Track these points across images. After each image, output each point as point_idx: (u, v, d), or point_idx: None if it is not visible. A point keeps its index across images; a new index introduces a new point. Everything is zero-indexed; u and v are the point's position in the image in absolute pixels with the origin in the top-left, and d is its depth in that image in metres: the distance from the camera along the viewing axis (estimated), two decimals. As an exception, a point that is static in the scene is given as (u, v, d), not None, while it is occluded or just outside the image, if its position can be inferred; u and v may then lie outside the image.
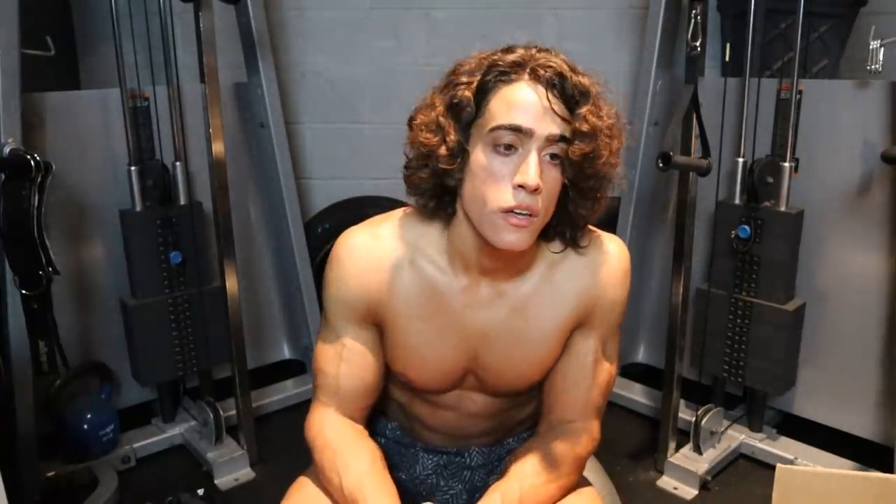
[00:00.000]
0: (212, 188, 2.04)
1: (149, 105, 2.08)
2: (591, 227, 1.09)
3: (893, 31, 1.75)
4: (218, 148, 2.00)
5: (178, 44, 2.09)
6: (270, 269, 2.60)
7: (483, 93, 0.95)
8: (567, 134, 0.94)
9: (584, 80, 0.96)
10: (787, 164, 1.93)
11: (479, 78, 0.95)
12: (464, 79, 0.96)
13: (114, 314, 2.17)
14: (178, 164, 2.12)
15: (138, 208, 2.07)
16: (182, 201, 2.14)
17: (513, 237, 0.94)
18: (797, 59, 1.88)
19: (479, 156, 0.95)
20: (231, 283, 2.07)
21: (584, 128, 0.94)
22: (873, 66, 1.75)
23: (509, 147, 0.93)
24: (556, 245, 1.06)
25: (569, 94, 0.94)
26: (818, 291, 2.06)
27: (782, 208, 1.96)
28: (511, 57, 0.95)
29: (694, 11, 1.78)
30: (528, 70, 0.94)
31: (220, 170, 2.02)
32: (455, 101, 0.96)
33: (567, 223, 1.04)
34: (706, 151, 1.79)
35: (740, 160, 2.01)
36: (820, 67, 2.20)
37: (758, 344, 2.03)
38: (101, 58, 2.49)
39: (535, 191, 0.92)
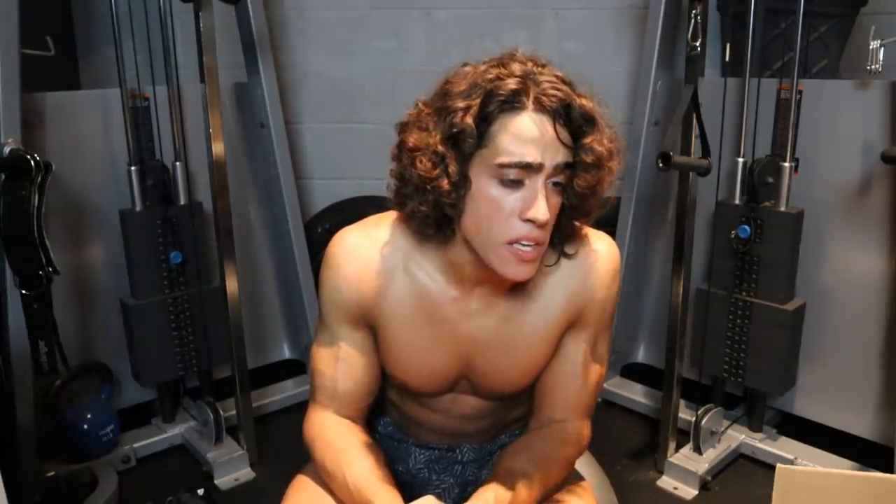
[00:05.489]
0: (212, 188, 2.03)
1: (149, 105, 2.08)
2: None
3: (893, 31, 1.75)
4: (218, 148, 2.00)
5: (178, 44, 2.09)
6: (270, 269, 2.60)
7: (485, 121, 0.91)
8: (571, 161, 0.93)
9: (588, 104, 0.93)
10: (787, 164, 1.93)
11: (478, 103, 0.90)
12: (460, 103, 0.91)
13: (114, 314, 2.17)
14: (178, 164, 2.12)
15: (138, 208, 2.07)
16: (182, 201, 2.14)
17: (521, 270, 0.95)
18: (797, 59, 1.88)
19: (484, 187, 0.92)
20: (231, 283, 2.07)
21: (590, 159, 0.93)
22: (873, 66, 1.75)
23: (516, 181, 0.91)
24: (550, 258, 1.05)
25: (575, 123, 0.92)
26: (818, 291, 2.06)
27: (782, 208, 1.96)
28: (512, 83, 0.90)
29: (694, 11, 1.78)
30: (532, 98, 0.90)
31: (220, 170, 2.01)
32: (455, 130, 0.91)
33: (558, 234, 1.02)
34: (706, 151, 1.79)
35: (740, 160, 2.01)
36: (820, 67, 2.20)
37: (758, 344, 2.03)
38: (101, 58, 2.49)
39: (543, 225, 0.92)
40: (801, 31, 1.85)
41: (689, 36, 1.80)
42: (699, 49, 1.81)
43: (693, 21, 1.78)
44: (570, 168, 0.93)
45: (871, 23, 1.85)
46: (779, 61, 2.17)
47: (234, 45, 2.32)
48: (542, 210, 0.91)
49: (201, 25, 1.91)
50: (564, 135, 0.92)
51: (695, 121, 1.85)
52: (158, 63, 2.06)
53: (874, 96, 1.89)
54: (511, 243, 0.93)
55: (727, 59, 2.12)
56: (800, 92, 1.93)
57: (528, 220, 0.91)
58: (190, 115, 2.12)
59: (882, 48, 1.73)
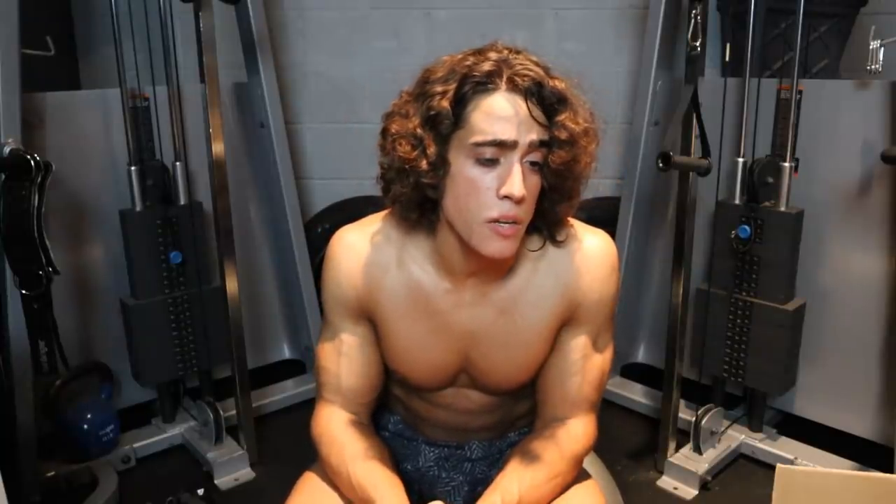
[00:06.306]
0: (212, 188, 2.03)
1: (149, 105, 2.08)
2: (575, 222, 1.10)
3: (893, 31, 1.75)
4: (218, 148, 2.00)
5: (178, 44, 2.09)
6: (270, 269, 2.60)
7: (461, 103, 0.94)
8: (546, 139, 0.95)
9: (560, 85, 0.96)
10: (787, 164, 1.93)
11: (454, 87, 0.94)
12: (438, 88, 0.95)
13: (114, 314, 2.17)
14: (178, 164, 2.12)
15: (138, 208, 2.07)
16: (182, 201, 2.14)
17: (500, 245, 0.96)
18: (797, 59, 1.88)
19: (462, 168, 0.95)
20: (231, 283, 2.07)
21: (563, 135, 0.95)
22: (873, 66, 1.75)
23: (492, 160, 0.93)
24: (534, 242, 1.06)
25: (547, 101, 0.94)
26: (818, 291, 2.06)
27: (782, 208, 1.96)
28: (486, 66, 0.93)
29: (694, 11, 1.78)
30: (504, 79, 0.93)
31: (220, 170, 2.01)
32: (432, 112, 0.94)
33: (543, 220, 1.04)
34: (706, 151, 1.79)
35: (740, 160, 2.01)
36: (820, 67, 2.20)
37: (758, 344, 2.03)
38: (101, 58, 2.49)
39: (519, 201, 0.93)
40: (801, 31, 1.85)
41: (689, 36, 1.80)
42: (699, 49, 1.81)
43: (693, 21, 1.78)
44: (545, 146, 0.95)
45: (871, 23, 1.85)
46: (779, 61, 2.17)
47: (234, 45, 2.32)
48: (517, 185, 0.92)
49: (201, 25, 1.91)
50: (538, 112, 0.94)
51: (695, 121, 1.85)
52: (158, 63, 2.06)
53: (874, 96, 1.89)
54: (491, 222, 0.94)
55: (727, 59, 2.12)
56: (800, 92, 1.93)
57: (506, 197, 0.93)
58: (190, 115, 2.12)
59: (882, 48, 1.73)
